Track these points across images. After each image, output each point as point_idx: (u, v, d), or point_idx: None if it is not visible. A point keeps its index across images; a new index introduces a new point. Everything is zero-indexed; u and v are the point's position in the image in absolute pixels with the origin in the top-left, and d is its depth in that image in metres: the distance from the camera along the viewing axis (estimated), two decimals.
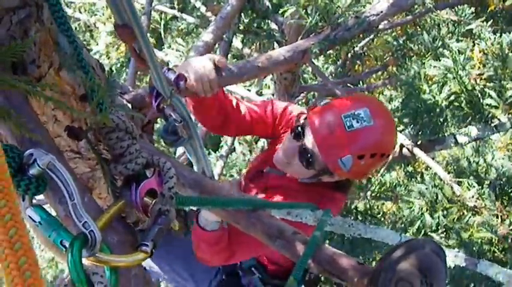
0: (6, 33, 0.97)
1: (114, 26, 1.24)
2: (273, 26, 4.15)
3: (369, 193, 4.95)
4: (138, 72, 4.48)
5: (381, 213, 4.98)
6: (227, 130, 2.57)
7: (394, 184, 5.07)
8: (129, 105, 1.90)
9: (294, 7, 2.35)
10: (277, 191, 2.39)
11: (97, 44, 4.52)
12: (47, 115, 1.33)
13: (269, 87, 5.69)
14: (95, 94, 1.00)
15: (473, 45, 3.93)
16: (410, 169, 5.90)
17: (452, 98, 3.54)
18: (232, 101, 2.42)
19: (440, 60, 3.66)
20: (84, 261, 0.88)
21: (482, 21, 4.42)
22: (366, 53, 5.86)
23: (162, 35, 4.94)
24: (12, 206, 0.50)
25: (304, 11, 2.37)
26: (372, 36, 5.49)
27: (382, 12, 2.26)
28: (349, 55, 5.83)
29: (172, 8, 4.64)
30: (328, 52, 5.63)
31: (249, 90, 5.35)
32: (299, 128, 2.23)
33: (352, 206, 4.75)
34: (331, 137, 2.12)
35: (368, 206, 4.93)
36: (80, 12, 4.80)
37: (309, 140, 2.19)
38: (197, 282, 2.72)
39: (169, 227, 1.00)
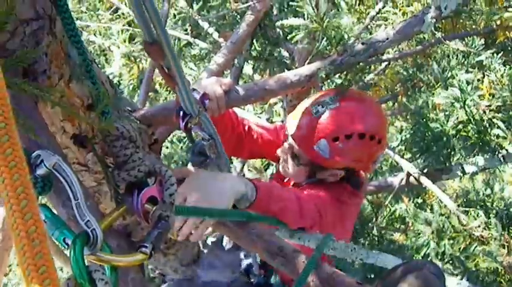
0: (19, 43, 1.03)
1: (143, 44, 1.26)
2: (284, 53, 4.22)
3: (378, 223, 4.93)
4: (150, 94, 4.56)
5: (389, 242, 4.94)
6: (240, 152, 2.64)
7: (403, 216, 5.04)
8: (137, 122, 1.94)
9: (303, 33, 2.40)
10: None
11: (110, 67, 4.61)
12: (55, 126, 1.38)
13: (279, 114, 5.73)
14: (100, 101, 1.05)
15: (483, 77, 3.96)
16: (419, 200, 5.86)
17: (459, 127, 3.56)
18: (245, 125, 2.49)
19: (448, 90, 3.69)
20: (86, 259, 0.91)
21: (492, 53, 4.45)
22: (376, 83, 5.90)
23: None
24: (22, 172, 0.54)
25: (312, 36, 2.43)
26: (382, 67, 5.55)
27: (387, 39, 2.30)
28: (360, 85, 5.88)
29: (186, 33, 4.73)
30: (339, 82, 5.70)
31: (260, 117, 5.40)
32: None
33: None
34: (303, 126, 2.22)
35: (376, 237, 4.90)
36: (95, 35, 4.90)
37: (289, 139, 2.31)
38: None
39: (168, 232, 1.03)
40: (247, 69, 4.74)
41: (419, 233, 3.82)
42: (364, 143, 2.16)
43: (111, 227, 1.05)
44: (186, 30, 4.85)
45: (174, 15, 4.89)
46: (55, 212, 1.03)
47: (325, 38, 2.35)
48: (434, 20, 2.28)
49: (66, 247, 0.95)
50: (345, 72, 2.52)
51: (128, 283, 1.03)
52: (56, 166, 0.91)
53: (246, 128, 2.52)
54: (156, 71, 4.71)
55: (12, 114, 1.00)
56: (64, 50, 1.16)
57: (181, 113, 1.73)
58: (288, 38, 3.41)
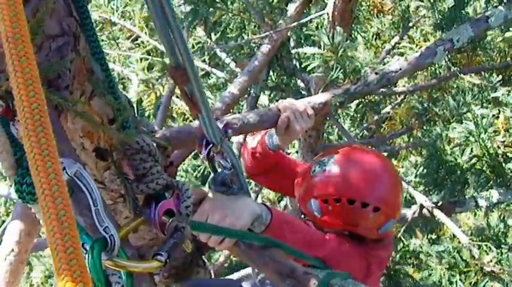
0: (44, 58, 1.08)
1: (167, 68, 1.27)
2: (300, 83, 4.28)
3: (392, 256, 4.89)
4: (166, 119, 4.63)
5: (404, 276, 4.90)
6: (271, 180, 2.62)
7: (417, 251, 5.00)
8: (154, 145, 1.99)
9: (318, 61, 2.46)
10: None
11: (128, 93, 4.70)
12: (75, 142, 1.43)
13: (294, 145, 5.77)
14: (121, 114, 1.10)
15: (499, 112, 3.96)
16: (433, 235, 5.81)
17: (474, 161, 3.57)
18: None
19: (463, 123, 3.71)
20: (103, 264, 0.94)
21: (509, 91, 4.47)
22: (391, 117, 5.94)
23: None
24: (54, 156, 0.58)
25: (327, 66, 2.48)
26: (398, 101, 5.59)
27: (400, 69, 2.35)
28: (375, 118, 5.93)
29: (204, 62, 4.83)
30: (354, 115, 5.76)
31: None
32: None
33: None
34: (302, 183, 2.25)
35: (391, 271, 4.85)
36: (114, 63, 5.02)
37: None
38: None
39: (183, 243, 1.07)
40: (263, 99, 4.80)
41: (431, 269, 3.79)
42: (355, 209, 2.07)
43: (127, 238, 1.09)
44: (204, 60, 4.95)
45: (193, 46, 5.01)
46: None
47: (339, 68, 2.40)
48: (447, 52, 2.33)
49: (85, 251, 0.99)
50: (360, 105, 2.55)
51: None
52: (77, 174, 0.95)
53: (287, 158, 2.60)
54: (174, 97, 4.80)
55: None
56: (87, 67, 1.21)
57: (204, 141, 1.71)
58: (303, 67, 3.48)
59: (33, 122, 0.59)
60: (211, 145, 1.70)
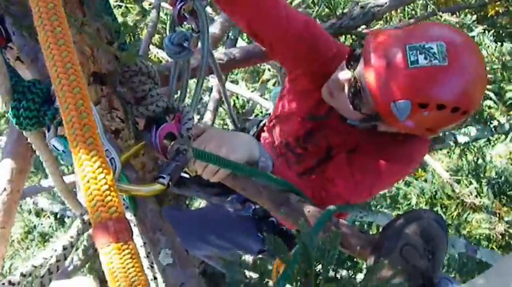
0: None
1: None
2: None
3: None
4: None
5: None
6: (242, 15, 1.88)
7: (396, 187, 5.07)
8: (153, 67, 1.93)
9: None
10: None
11: None
12: None
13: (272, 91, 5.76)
14: (120, 35, 1.07)
15: None
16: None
17: None
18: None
19: None
20: None
21: (484, 30, 4.50)
22: None
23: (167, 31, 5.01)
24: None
25: (311, 1, 2.46)
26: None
27: (386, 3, 2.34)
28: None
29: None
30: None
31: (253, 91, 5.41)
32: (356, 53, 1.77)
33: None
34: (387, 71, 1.64)
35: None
36: None
37: (360, 71, 1.73)
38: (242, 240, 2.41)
39: (185, 166, 1.06)
40: (242, 43, 4.75)
41: (410, 203, 3.89)
42: (453, 117, 1.67)
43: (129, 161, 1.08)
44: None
45: None
46: None
47: (324, 3, 2.38)
48: None
49: None
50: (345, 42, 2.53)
51: (147, 214, 1.05)
52: None
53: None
54: (151, 46, 4.71)
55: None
56: None
57: None
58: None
59: (47, 10, 0.57)
60: (183, 1, 1.49)
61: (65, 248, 1.34)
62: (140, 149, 1.11)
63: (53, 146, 1.00)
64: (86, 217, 0.95)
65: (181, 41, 1.55)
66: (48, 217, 5.57)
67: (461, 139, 3.71)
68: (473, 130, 3.69)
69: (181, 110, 1.14)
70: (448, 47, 1.60)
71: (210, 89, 3.82)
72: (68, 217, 5.19)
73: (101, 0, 1.12)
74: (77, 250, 2.37)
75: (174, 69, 1.73)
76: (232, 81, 4.80)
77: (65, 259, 1.36)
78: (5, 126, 4.92)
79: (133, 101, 1.13)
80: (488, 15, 4.66)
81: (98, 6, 1.11)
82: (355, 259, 1.42)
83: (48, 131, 0.99)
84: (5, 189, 1.63)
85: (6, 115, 4.54)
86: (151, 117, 1.12)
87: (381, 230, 1.56)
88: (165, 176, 1.03)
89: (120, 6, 4.84)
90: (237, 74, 4.98)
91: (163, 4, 4.32)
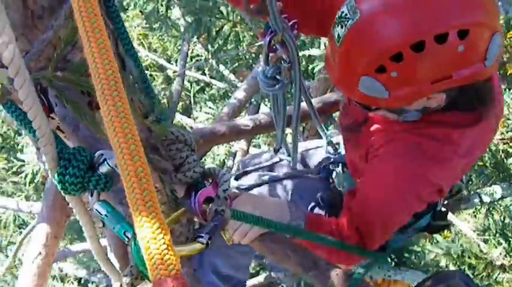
0: (78, 55, 1.12)
1: None
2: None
3: None
4: None
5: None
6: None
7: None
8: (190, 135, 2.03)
9: (323, 63, 2.51)
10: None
11: None
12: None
13: None
14: (156, 108, 1.13)
15: None
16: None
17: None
18: None
19: None
20: None
21: (505, 89, 4.55)
22: None
23: (192, 102, 5.16)
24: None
25: None
26: None
27: None
28: None
29: (203, 74, 4.88)
30: None
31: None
32: None
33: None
34: (333, 63, 1.59)
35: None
36: None
37: None
38: None
39: (224, 225, 1.10)
40: (264, 108, 4.85)
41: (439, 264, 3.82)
42: (437, 50, 1.34)
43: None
44: (203, 72, 5.01)
45: (191, 58, 5.07)
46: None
47: None
48: None
49: (127, 240, 1.02)
50: None
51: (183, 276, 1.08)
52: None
53: None
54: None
55: (80, 112, 1.10)
56: (118, 63, 1.23)
57: (269, 29, 1.57)
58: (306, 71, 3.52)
59: (109, 86, 0.63)
60: (273, 33, 1.56)
61: None
62: (181, 214, 1.16)
63: (96, 210, 1.04)
64: (126, 280, 0.98)
65: (275, 73, 1.64)
66: (72, 282, 5.57)
67: (487, 199, 3.68)
68: (498, 189, 3.66)
69: (217, 173, 1.18)
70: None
71: (234, 155, 3.92)
72: (92, 283, 5.19)
73: (139, 74, 1.19)
74: None
75: (273, 104, 1.85)
76: (254, 146, 4.88)
77: None
78: (31, 192, 5.02)
79: (171, 169, 1.18)
80: (508, 74, 4.69)
81: (136, 81, 1.18)
82: None
83: (91, 196, 1.04)
84: (40, 253, 1.68)
85: (35, 182, 4.65)
86: (190, 183, 1.17)
87: None
88: (203, 235, 1.07)
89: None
90: (258, 138, 5.07)
91: (187, 72, 4.49)
